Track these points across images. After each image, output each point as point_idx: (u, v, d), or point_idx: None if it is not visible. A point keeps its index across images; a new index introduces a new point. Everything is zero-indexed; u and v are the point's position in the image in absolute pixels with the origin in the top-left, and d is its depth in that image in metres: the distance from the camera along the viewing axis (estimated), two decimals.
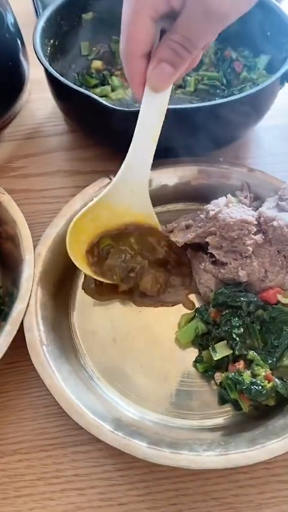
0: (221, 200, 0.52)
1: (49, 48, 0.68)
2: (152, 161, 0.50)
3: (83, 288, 0.55)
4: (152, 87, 0.43)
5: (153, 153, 0.49)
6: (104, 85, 0.74)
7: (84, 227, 0.52)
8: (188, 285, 0.55)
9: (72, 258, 0.51)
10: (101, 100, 0.54)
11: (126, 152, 0.53)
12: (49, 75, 0.59)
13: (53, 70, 0.58)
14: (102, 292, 0.55)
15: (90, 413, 0.41)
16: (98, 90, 0.73)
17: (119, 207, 0.53)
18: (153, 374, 0.49)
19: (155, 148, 0.49)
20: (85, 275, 0.55)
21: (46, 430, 0.46)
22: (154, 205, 0.61)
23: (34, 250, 0.52)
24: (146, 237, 0.55)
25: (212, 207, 0.52)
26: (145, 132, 0.47)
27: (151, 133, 0.47)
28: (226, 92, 0.72)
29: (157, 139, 0.48)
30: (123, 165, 0.51)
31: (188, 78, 0.73)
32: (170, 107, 0.55)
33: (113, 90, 0.73)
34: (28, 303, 0.48)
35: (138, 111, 0.55)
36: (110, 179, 0.59)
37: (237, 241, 0.49)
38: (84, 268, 0.53)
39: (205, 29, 0.37)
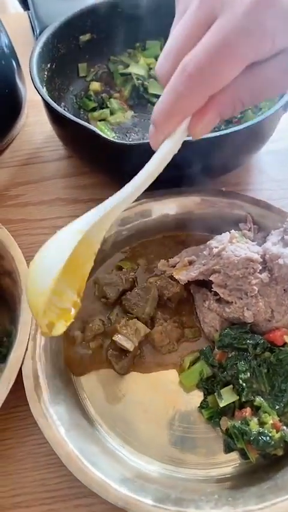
0: (225, 236, 0.51)
1: (46, 73, 0.66)
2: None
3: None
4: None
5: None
6: (102, 108, 0.72)
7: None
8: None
9: None
10: (99, 132, 0.52)
11: (124, 181, 0.48)
12: (47, 105, 0.57)
13: (50, 100, 0.56)
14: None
15: (93, 468, 0.40)
16: (96, 114, 0.71)
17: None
18: (156, 419, 0.47)
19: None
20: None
21: (47, 481, 0.44)
22: (156, 234, 0.61)
23: None
24: None
25: (216, 243, 0.50)
26: (159, 169, 0.38)
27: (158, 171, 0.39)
28: None
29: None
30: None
31: None
32: None
33: (111, 113, 0.71)
34: (27, 348, 0.47)
35: (137, 144, 0.54)
36: None
37: (242, 279, 0.48)
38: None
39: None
